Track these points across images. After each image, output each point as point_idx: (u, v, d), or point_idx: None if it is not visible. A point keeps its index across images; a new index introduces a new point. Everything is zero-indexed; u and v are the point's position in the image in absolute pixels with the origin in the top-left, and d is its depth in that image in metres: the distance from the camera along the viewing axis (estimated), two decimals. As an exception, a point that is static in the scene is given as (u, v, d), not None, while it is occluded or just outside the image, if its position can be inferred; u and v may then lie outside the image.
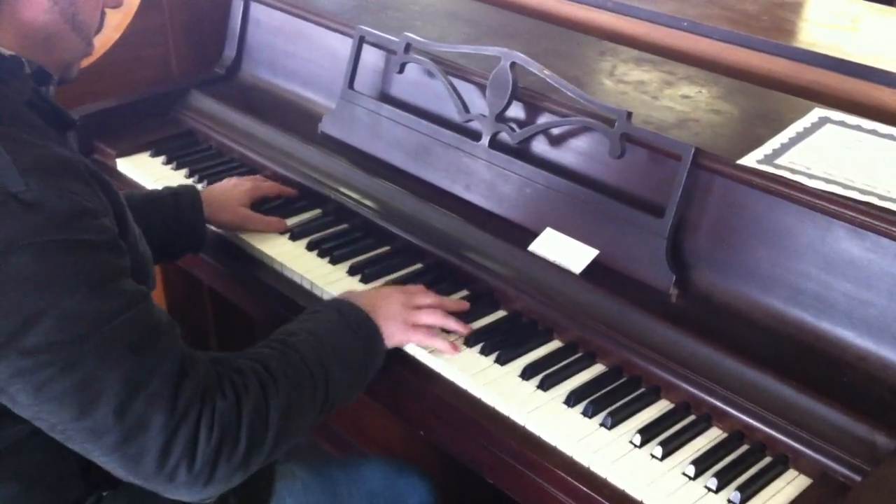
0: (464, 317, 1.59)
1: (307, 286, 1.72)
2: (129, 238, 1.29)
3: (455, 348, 1.53)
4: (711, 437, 1.39)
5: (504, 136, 1.80)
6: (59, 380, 1.13)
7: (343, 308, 1.48)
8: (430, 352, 1.52)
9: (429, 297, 1.59)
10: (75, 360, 1.13)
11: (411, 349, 1.54)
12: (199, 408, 1.20)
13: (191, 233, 1.77)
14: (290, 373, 1.32)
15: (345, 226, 1.88)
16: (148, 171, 2.09)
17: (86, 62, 2.29)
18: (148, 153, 2.16)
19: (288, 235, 1.84)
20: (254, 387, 1.27)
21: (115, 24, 2.33)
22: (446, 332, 1.56)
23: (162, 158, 2.14)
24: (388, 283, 1.69)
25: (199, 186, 1.98)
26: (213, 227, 1.83)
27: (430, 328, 1.54)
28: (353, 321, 1.45)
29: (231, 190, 1.88)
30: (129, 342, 1.16)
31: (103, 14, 1.40)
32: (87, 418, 1.15)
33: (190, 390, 1.19)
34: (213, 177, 2.05)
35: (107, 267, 1.18)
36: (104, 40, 2.31)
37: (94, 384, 1.14)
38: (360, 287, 1.69)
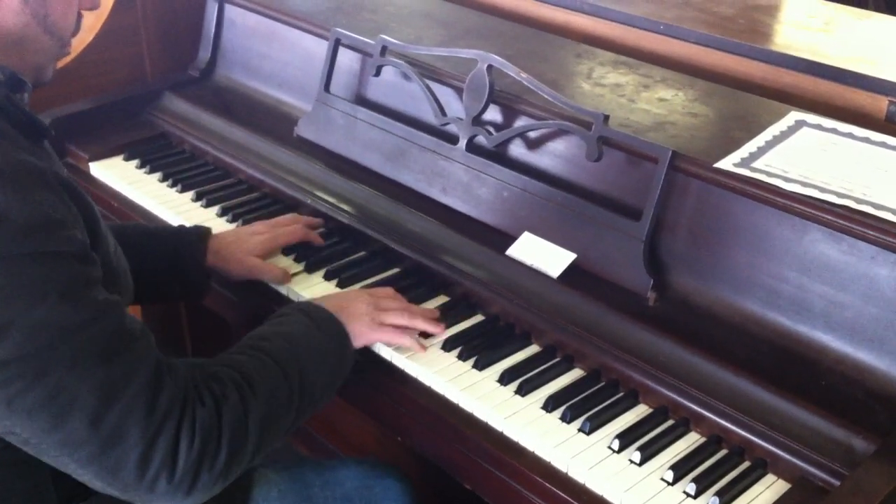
0: (444, 321, 1.59)
1: (283, 291, 1.70)
2: (100, 249, 1.27)
3: (422, 346, 1.53)
4: (689, 441, 1.39)
5: (481, 139, 1.79)
6: (29, 391, 1.11)
7: (310, 310, 1.47)
8: (407, 356, 1.52)
9: (396, 301, 1.58)
10: (45, 371, 1.11)
11: (388, 354, 1.53)
12: (178, 416, 1.18)
13: (185, 279, 1.68)
14: (266, 378, 1.31)
15: (321, 230, 1.86)
16: (121, 175, 2.07)
17: (60, 63, 2.27)
18: (121, 156, 2.14)
19: (264, 240, 1.82)
20: (232, 394, 1.25)
21: (88, 25, 2.31)
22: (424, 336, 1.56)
23: (135, 162, 2.12)
24: (364, 288, 1.68)
25: (224, 221, 1.90)
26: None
27: (396, 327, 1.53)
28: (321, 323, 1.44)
29: (246, 240, 1.74)
30: (100, 351, 1.14)
31: (80, 16, 1.38)
32: (59, 430, 1.13)
33: (167, 398, 1.18)
34: (187, 180, 2.03)
35: (75, 277, 1.15)
36: (77, 42, 2.28)
37: (66, 395, 1.12)
38: (337, 291, 1.67)
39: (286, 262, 1.76)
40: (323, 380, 1.40)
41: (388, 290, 1.61)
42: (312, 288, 1.69)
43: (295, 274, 1.73)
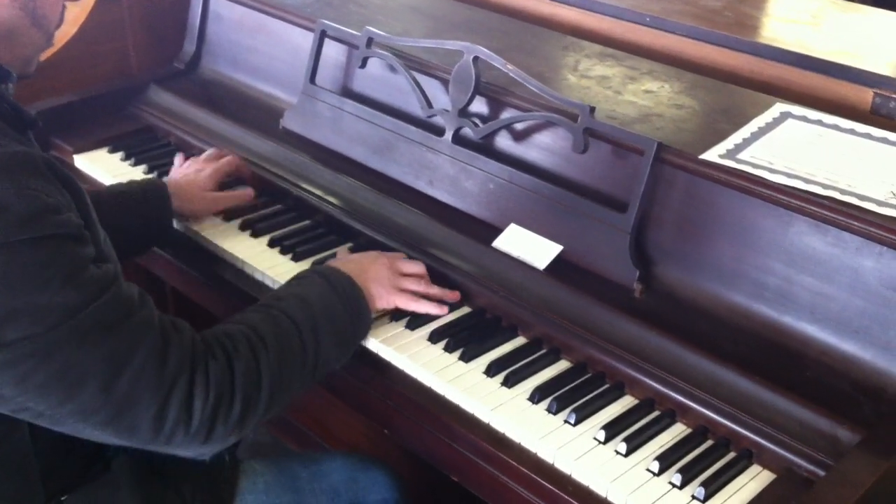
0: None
1: (269, 283, 1.70)
2: (92, 235, 1.28)
3: (443, 308, 1.56)
4: (675, 432, 1.39)
5: (467, 131, 1.79)
6: (39, 369, 1.13)
7: (328, 273, 1.49)
8: (394, 348, 1.51)
9: (415, 266, 1.62)
10: (53, 349, 1.13)
11: (374, 346, 1.53)
12: (189, 372, 1.22)
13: (159, 228, 1.77)
14: (279, 334, 1.35)
15: (307, 222, 1.86)
16: (106, 168, 2.06)
17: (43, 56, 2.25)
18: (106, 149, 2.13)
19: (250, 232, 1.82)
20: (244, 348, 1.29)
21: (73, 17, 2.29)
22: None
23: (120, 155, 2.11)
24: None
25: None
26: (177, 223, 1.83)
27: (414, 293, 1.57)
28: (338, 286, 1.47)
29: (195, 178, 1.87)
30: (105, 324, 1.17)
31: (63, 8, 1.38)
32: (73, 401, 1.16)
33: (176, 357, 1.21)
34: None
35: (74, 258, 1.17)
36: (61, 34, 2.27)
37: (76, 368, 1.15)
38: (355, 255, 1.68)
39: (271, 253, 1.76)
40: (337, 341, 1.43)
41: (403, 255, 1.66)
42: (298, 280, 1.68)
43: (281, 267, 1.72)
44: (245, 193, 1.89)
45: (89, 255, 1.21)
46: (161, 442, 1.23)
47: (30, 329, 1.12)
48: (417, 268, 1.63)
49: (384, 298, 1.54)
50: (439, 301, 1.60)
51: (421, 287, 1.59)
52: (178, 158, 1.99)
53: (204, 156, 1.95)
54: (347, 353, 1.48)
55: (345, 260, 1.59)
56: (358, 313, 1.48)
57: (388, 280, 1.56)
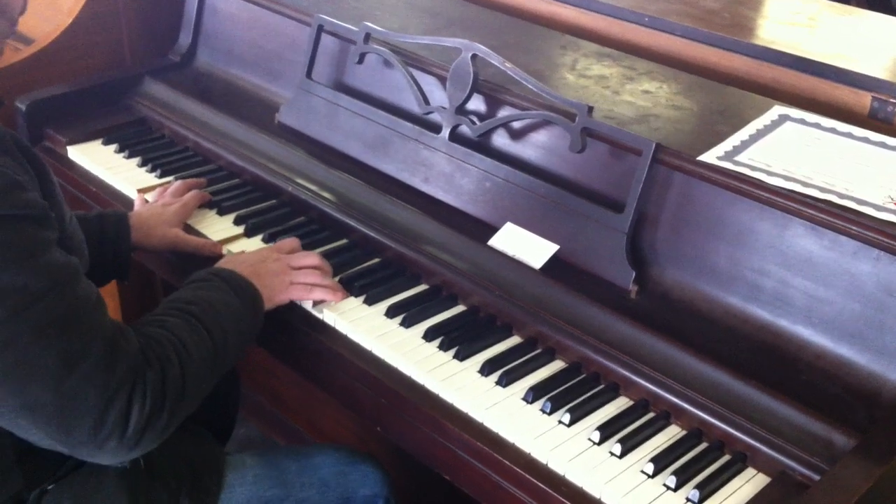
0: (425, 310, 1.59)
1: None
2: (56, 213, 1.27)
3: (335, 292, 1.58)
4: (670, 434, 1.39)
5: (464, 128, 1.78)
6: None
7: (227, 277, 1.50)
8: (388, 346, 1.51)
9: (308, 258, 1.63)
10: (10, 340, 1.13)
11: (369, 343, 1.52)
12: (132, 381, 1.22)
13: (114, 259, 1.70)
14: (198, 343, 1.36)
15: (301, 218, 1.85)
16: (100, 160, 2.05)
17: (35, 47, 2.24)
18: (100, 141, 2.12)
19: (243, 229, 1.81)
20: (174, 358, 1.30)
21: (68, 8, 2.28)
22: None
23: (114, 147, 2.10)
24: (344, 277, 1.67)
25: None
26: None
27: (306, 285, 1.59)
28: (238, 290, 1.48)
29: (160, 213, 1.79)
30: (61, 318, 1.17)
31: None
32: (22, 395, 1.15)
33: (124, 364, 1.21)
34: (165, 166, 2.02)
35: (35, 240, 1.17)
36: (55, 25, 2.26)
37: (30, 362, 1.14)
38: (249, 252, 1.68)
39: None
40: (239, 343, 1.45)
41: (294, 243, 1.68)
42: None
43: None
44: (212, 245, 1.76)
45: (52, 238, 1.21)
46: (94, 446, 1.21)
47: None
48: (311, 259, 1.63)
49: (277, 297, 1.56)
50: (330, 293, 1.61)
51: (314, 278, 1.60)
52: (140, 198, 1.90)
53: (170, 190, 1.87)
54: (243, 353, 1.50)
55: (237, 261, 1.58)
56: (256, 313, 1.50)
57: (279, 277, 1.57)
